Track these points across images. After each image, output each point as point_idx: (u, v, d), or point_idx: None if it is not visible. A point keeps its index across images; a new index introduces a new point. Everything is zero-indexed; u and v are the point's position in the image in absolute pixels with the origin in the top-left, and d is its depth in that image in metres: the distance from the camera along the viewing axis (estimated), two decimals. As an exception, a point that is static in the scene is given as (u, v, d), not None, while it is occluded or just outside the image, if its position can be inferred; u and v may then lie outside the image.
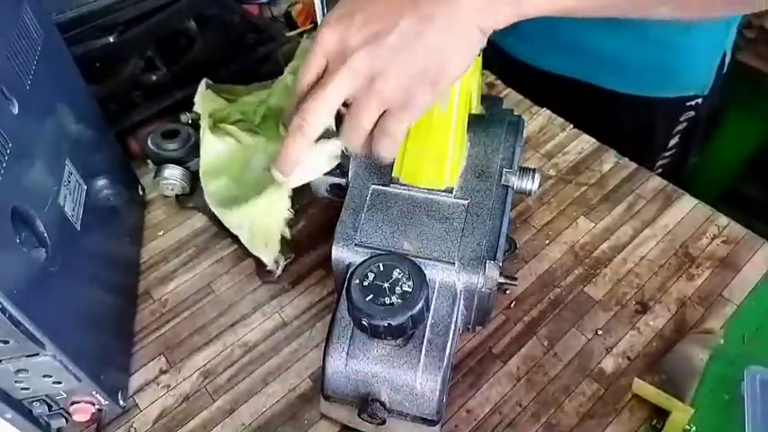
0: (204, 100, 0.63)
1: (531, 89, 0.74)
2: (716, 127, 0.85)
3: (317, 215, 0.61)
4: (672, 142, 0.80)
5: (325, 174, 0.52)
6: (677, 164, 0.82)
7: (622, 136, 0.67)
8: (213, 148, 0.59)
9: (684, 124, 0.78)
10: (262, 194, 0.54)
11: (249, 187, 0.56)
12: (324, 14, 0.42)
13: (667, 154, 0.80)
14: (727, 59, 0.75)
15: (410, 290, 0.39)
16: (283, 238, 0.55)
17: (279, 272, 0.56)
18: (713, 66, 0.74)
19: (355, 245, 0.45)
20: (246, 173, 0.57)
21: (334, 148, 0.44)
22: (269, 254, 0.55)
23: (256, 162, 0.57)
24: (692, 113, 0.77)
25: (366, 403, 0.42)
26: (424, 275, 0.40)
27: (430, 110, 0.44)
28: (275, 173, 0.41)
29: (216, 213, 0.57)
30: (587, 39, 0.70)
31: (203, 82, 0.64)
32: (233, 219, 0.55)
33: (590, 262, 0.57)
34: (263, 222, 0.54)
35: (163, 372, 0.52)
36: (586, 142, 0.67)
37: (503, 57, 0.79)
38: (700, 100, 0.75)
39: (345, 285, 0.41)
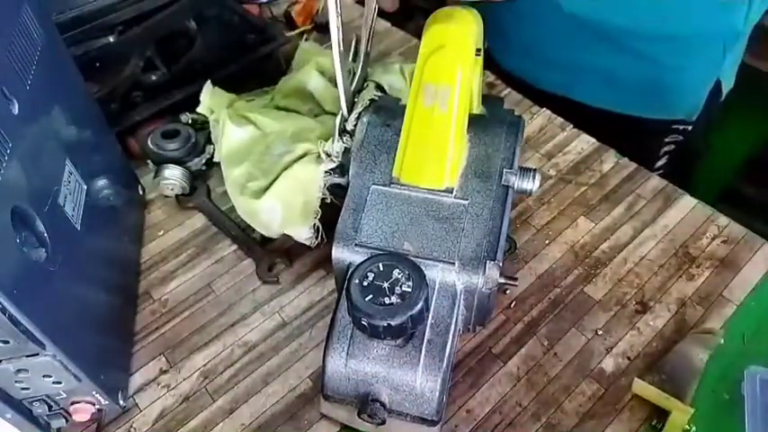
0: (215, 95, 0.63)
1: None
2: (703, 157, 0.85)
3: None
4: (659, 163, 0.80)
5: (326, 174, 0.52)
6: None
7: None
8: (235, 135, 0.59)
9: (672, 146, 0.78)
10: (292, 169, 0.53)
11: (272, 171, 0.55)
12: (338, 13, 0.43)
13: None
14: (725, 90, 0.74)
15: (410, 290, 0.39)
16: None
17: (320, 239, 0.55)
18: (704, 91, 0.73)
19: (355, 245, 0.45)
20: (267, 157, 0.57)
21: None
22: (306, 226, 0.54)
23: (276, 147, 0.57)
24: (680, 137, 0.76)
25: (366, 403, 0.42)
26: (424, 275, 0.40)
27: (430, 110, 0.45)
28: None
29: (236, 203, 0.57)
30: (577, 56, 0.70)
31: (209, 82, 0.64)
32: (262, 203, 0.54)
33: (590, 262, 0.57)
34: (302, 194, 0.53)
35: (163, 372, 0.52)
36: (586, 142, 0.67)
37: (493, 70, 0.79)
38: (689, 126, 0.75)
39: (345, 285, 0.41)
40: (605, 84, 0.72)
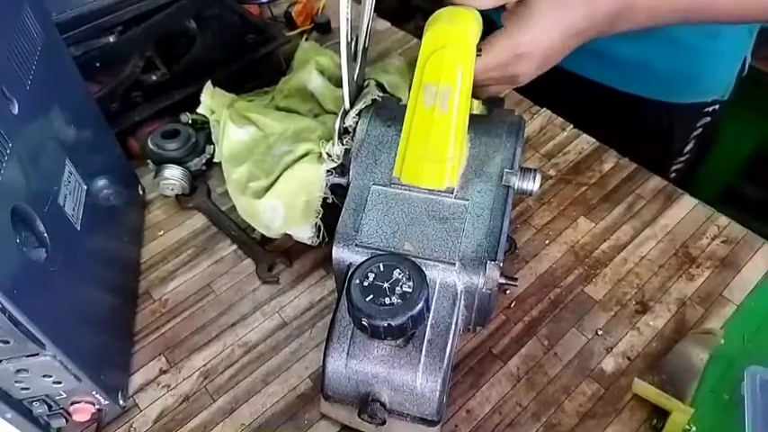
0: (215, 95, 0.63)
1: (550, 90, 0.73)
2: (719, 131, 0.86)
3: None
4: (687, 147, 0.79)
5: (327, 173, 0.52)
6: (690, 169, 0.81)
7: (641, 142, 0.67)
8: (236, 135, 0.59)
9: (700, 130, 0.78)
10: (294, 169, 0.53)
11: (273, 171, 0.55)
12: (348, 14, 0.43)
13: (682, 159, 0.80)
14: (747, 63, 0.75)
15: (410, 290, 0.39)
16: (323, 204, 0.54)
17: (321, 238, 0.55)
18: (735, 70, 0.74)
19: (356, 245, 0.45)
20: (269, 157, 0.57)
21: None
22: (307, 225, 0.54)
23: (277, 147, 0.57)
24: (708, 119, 0.76)
25: (366, 403, 0.42)
26: (425, 276, 0.40)
27: (431, 110, 0.45)
28: None
29: (237, 203, 0.57)
30: (614, 44, 0.70)
31: (209, 82, 0.64)
32: (264, 203, 0.54)
33: (590, 262, 0.57)
34: (304, 193, 0.53)
35: (163, 372, 0.52)
36: (586, 142, 0.67)
37: None
38: (717, 106, 0.75)
39: (345, 286, 0.41)
40: (641, 71, 0.72)
